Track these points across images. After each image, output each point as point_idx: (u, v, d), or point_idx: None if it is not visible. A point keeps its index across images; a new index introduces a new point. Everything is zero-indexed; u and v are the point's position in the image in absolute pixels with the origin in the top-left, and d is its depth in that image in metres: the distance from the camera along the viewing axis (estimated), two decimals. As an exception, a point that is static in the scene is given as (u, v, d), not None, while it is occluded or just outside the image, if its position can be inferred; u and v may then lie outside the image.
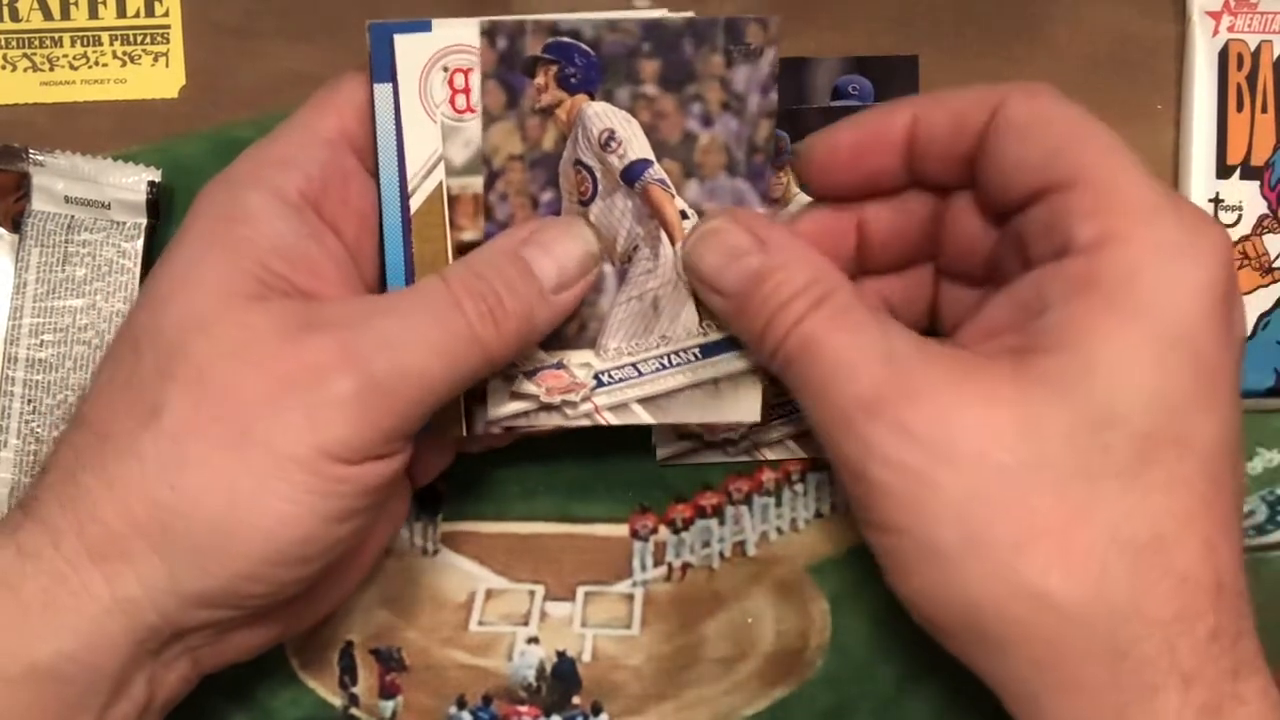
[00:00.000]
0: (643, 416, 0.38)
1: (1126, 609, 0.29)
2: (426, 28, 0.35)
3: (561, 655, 0.42)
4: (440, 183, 0.36)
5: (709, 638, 0.42)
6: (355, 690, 0.42)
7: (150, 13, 0.43)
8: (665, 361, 0.38)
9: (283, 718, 0.42)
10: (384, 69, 0.35)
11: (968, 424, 0.30)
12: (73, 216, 0.40)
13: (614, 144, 0.36)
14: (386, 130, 0.35)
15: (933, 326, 0.38)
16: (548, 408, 0.38)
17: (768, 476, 0.43)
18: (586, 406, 0.38)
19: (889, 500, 0.31)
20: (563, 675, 0.42)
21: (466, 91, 0.36)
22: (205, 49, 0.43)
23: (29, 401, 0.40)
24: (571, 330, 0.37)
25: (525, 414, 0.37)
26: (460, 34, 0.35)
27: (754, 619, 0.42)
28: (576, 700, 0.42)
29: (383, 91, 0.35)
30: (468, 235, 0.36)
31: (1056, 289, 0.31)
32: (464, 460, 0.40)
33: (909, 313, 0.38)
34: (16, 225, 0.40)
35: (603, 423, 0.38)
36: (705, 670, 0.42)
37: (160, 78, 0.43)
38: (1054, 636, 0.30)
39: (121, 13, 0.43)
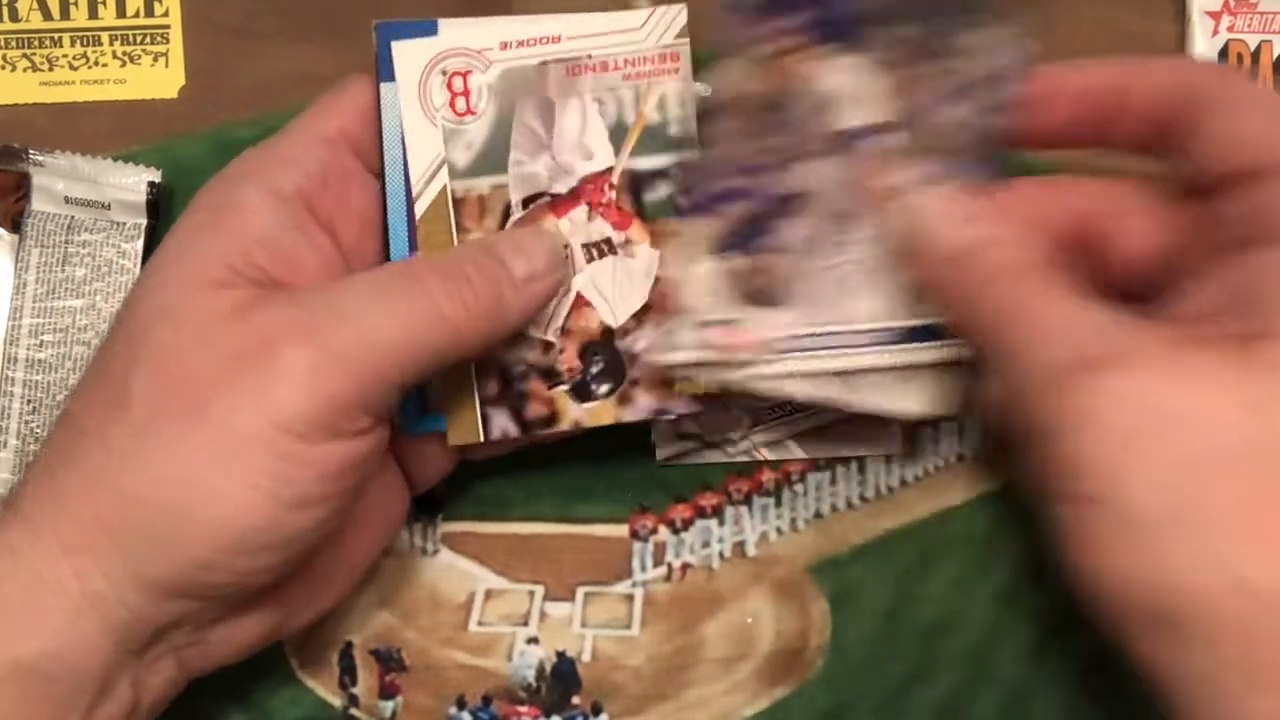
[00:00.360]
0: (797, 453, 0.41)
1: None
2: (432, 29, 0.35)
3: (561, 655, 0.42)
4: (445, 185, 0.36)
5: (709, 638, 0.42)
6: (355, 690, 0.42)
7: (150, 13, 0.43)
8: (862, 338, 0.37)
9: (282, 718, 0.42)
10: (389, 69, 0.35)
11: (1188, 395, 0.28)
12: (73, 217, 0.40)
13: (844, 104, 0.35)
14: (393, 130, 0.35)
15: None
16: (710, 446, 0.41)
17: (768, 476, 0.43)
18: (745, 444, 0.40)
19: (1089, 463, 0.29)
20: (562, 675, 0.42)
21: (466, 94, 0.36)
22: (205, 49, 0.43)
23: (29, 402, 0.40)
24: (759, 285, 0.36)
25: (690, 452, 0.41)
26: (464, 36, 0.35)
27: (754, 619, 0.42)
28: (576, 700, 0.42)
29: (389, 90, 0.35)
30: (474, 237, 0.36)
31: (1274, 277, 0.30)
32: (464, 462, 0.40)
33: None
34: (16, 225, 0.40)
35: (760, 459, 0.40)
36: (705, 670, 0.42)
37: (160, 78, 0.43)
38: (1259, 629, 0.27)
39: (121, 13, 0.43)
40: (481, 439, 0.37)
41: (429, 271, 0.33)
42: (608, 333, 0.37)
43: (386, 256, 0.36)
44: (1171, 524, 0.28)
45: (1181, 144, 0.33)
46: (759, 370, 0.36)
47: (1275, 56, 0.43)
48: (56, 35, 0.43)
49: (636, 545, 0.43)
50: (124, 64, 0.43)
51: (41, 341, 0.40)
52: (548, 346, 0.37)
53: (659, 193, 0.37)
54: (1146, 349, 0.29)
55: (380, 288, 0.33)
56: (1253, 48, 0.43)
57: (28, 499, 0.32)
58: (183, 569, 0.31)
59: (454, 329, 0.33)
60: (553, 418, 0.37)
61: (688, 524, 0.43)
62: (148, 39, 0.43)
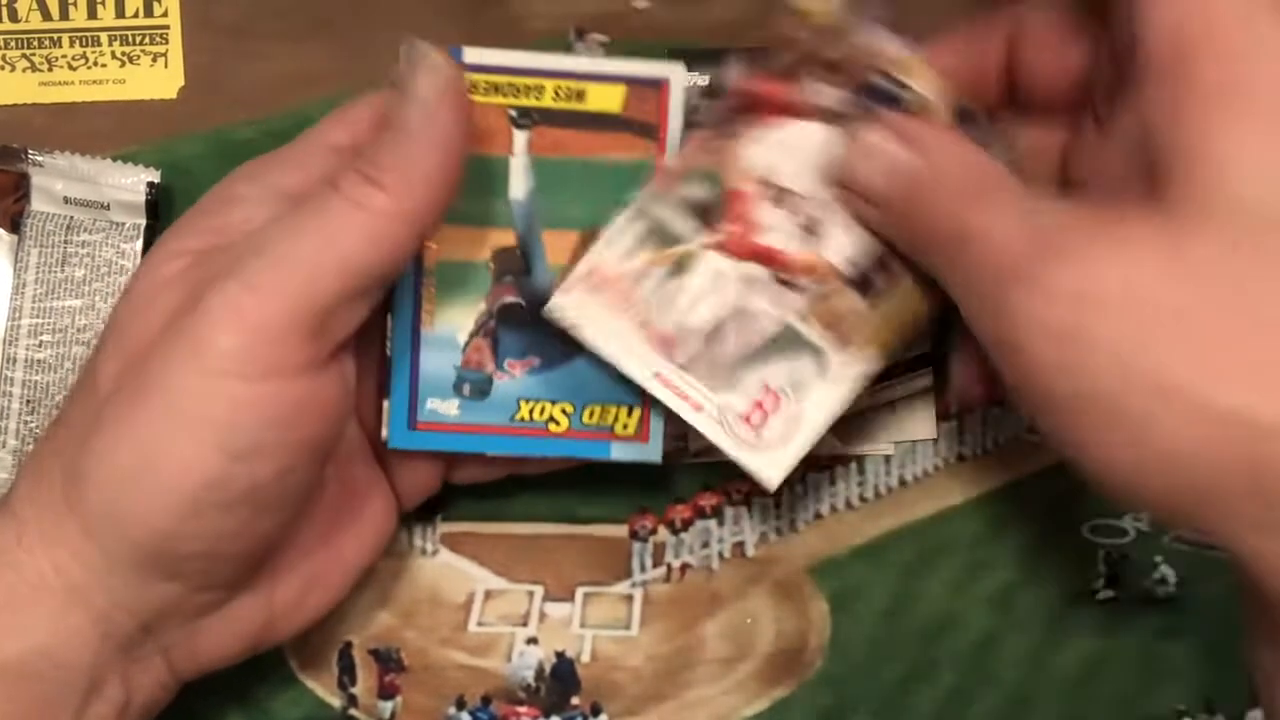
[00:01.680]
0: (831, 441, 0.40)
1: None
2: (457, 56, 0.35)
3: (560, 656, 0.42)
4: None
5: (708, 638, 0.42)
6: (354, 691, 0.42)
7: (149, 13, 0.43)
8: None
9: (282, 718, 0.42)
10: None
11: (1112, 272, 0.28)
12: (72, 217, 0.40)
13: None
14: None
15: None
16: None
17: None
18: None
19: (1050, 370, 0.28)
20: (562, 676, 0.42)
21: None
22: (204, 49, 0.43)
23: (27, 402, 0.40)
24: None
25: (679, 451, 0.40)
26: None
27: (753, 619, 0.42)
28: (576, 701, 0.42)
29: None
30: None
31: (1154, 111, 0.29)
32: (449, 484, 0.40)
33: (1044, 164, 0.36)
34: (15, 226, 0.40)
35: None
36: (705, 670, 0.42)
37: (159, 78, 0.43)
38: (1266, 462, 0.27)
39: (120, 13, 0.43)
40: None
41: (338, 172, 0.31)
42: None
43: None
44: (1150, 399, 0.27)
45: None
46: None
47: (1275, 56, 0.42)
48: (56, 35, 0.43)
49: (636, 545, 0.42)
50: (123, 64, 0.43)
51: (40, 342, 0.40)
52: None
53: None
54: (1074, 238, 0.29)
55: (297, 208, 0.31)
56: (1252, 47, 0.42)
57: (18, 496, 0.32)
58: (148, 542, 0.31)
59: (380, 215, 0.31)
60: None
61: (687, 524, 0.43)
62: (147, 39, 0.43)
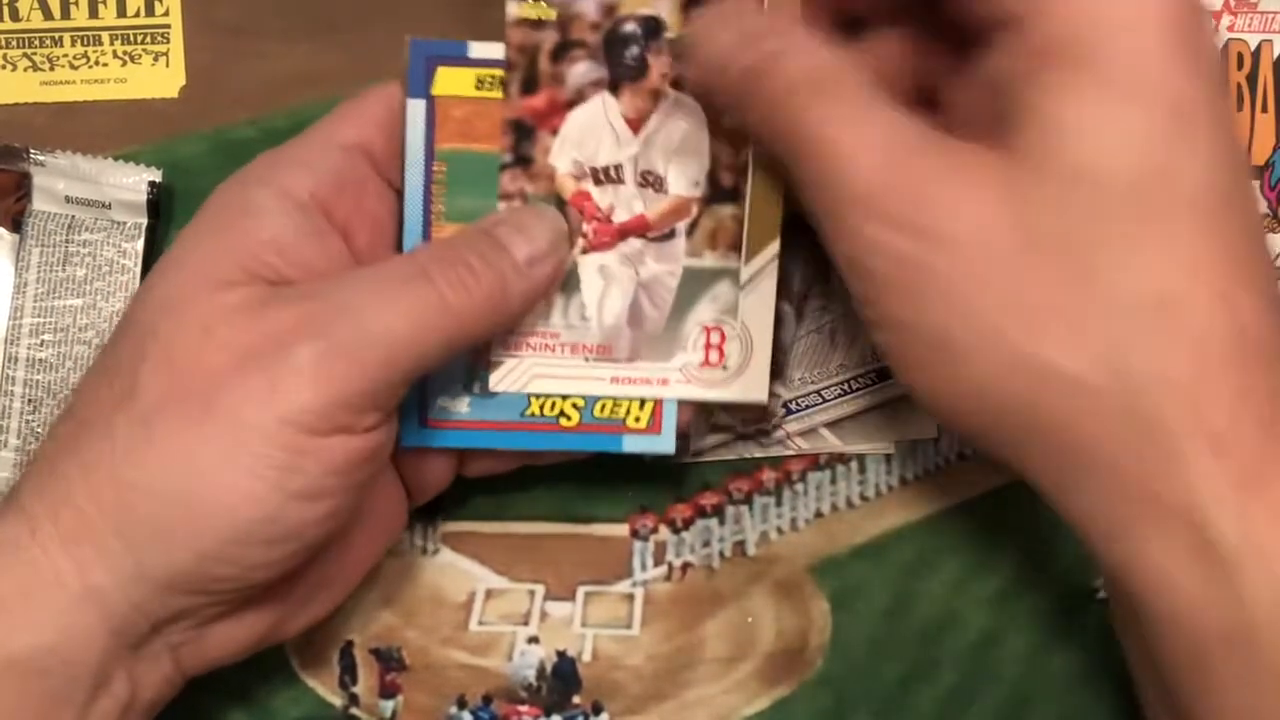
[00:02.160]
0: (831, 441, 0.42)
1: (1141, 375, 0.28)
2: (463, 50, 0.36)
3: (561, 655, 0.42)
4: None
5: (709, 638, 0.42)
6: (355, 690, 0.42)
7: (150, 12, 0.43)
8: (846, 387, 0.42)
9: (283, 717, 0.42)
10: (419, 85, 0.36)
11: (959, 209, 0.29)
12: (73, 216, 0.40)
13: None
14: (416, 147, 0.36)
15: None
16: (744, 437, 0.42)
17: (768, 476, 0.43)
18: (779, 434, 0.42)
19: (888, 293, 0.30)
20: (563, 675, 0.42)
21: None
22: (205, 49, 0.43)
23: (29, 401, 0.40)
24: None
25: (724, 444, 0.41)
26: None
27: (754, 619, 0.42)
28: (576, 700, 0.42)
29: (416, 107, 0.36)
30: None
31: (1006, 59, 0.30)
32: (462, 478, 0.40)
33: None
34: (17, 225, 0.40)
35: (793, 450, 0.42)
36: (705, 670, 0.42)
37: (160, 77, 0.43)
38: (1071, 416, 0.29)
39: (121, 12, 0.43)
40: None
41: (432, 261, 0.33)
42: None
43: None
44: (972, 335, 0.29)
45: None
46: (771, 438, 0.42)
47: (1275, 56, 0.43)
48: (57, 35, 0.43)
49: (637, 545, 0.43)
50: (124, 64, 0.43)
51: (42, 341, 0.40)
52: None
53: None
54: (926, 169, 0.30)
55: (386, 280, 0.33)
56: (1253, 48, 0.43)
57: (27, 492, 0.32)
58: (188, 560, 0.31)
59: (458, 319, 0.33)
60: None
61: (688, 523, 0.43)
62: (148, 39, 0.43)
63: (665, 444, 0.38)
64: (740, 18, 0.34)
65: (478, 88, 0.36)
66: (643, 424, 0.38)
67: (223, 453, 0.31)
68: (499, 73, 0.36)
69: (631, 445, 0.38)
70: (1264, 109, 0.43)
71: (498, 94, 0.36)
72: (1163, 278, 0.28)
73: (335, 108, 0.36)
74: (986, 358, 0.29)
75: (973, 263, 0.29)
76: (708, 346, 0.37)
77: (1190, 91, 0.29)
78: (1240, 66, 0.43)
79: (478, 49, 0.36)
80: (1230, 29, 0.43)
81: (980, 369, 0.29)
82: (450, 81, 0.36)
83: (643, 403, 0.38)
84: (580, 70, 0.36)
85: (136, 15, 0.43)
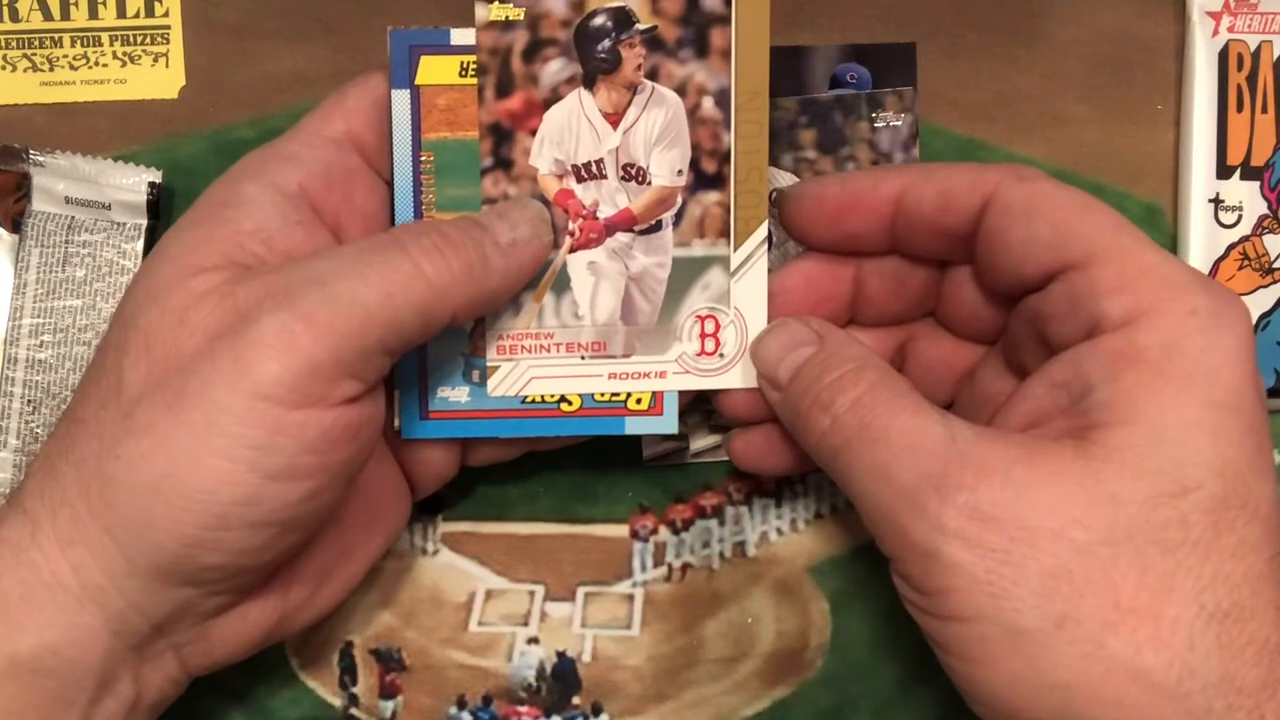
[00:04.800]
0: None
1: (1218, 680, 0.29)
2: (445, 38, 0.36)
3: (561, 655, 0.42)
4: None
5: (709, 638, 0.42)
6: (355, 690, 0.42)
7: (150, 13, 0.43)
8: None
9: (283, 718, 0.42)
10: (403, 76, 0.36)
11: (1043, 502, 0.29)
12: (73, 217, 0.40)
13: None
14: (403, 138, 0.36)
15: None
16: None
17: (768, 476, 0.43)
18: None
19: (966, 584, 0.30)
20: (563, 675, 0.42)
21: None
22: (205, 49, 0.43)
23: (29, 402, 0.40)
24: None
25: (723, 445, 0.40)
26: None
27: (754, 619, 0.42)
28: (576, 701, 0.42)
29: (400, 97, 0.36)
30: None
31: (1099, 366, 0.31)
32: (466, 467, 0.40)
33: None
34: (16, 226, 0.40)
35: None
36: (705, 670, 0.42)
37: (160, 78, 0.43)
38: (1150, 716, 0.29)
39: (121, 13, 0.43)
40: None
41: (406, 233, 0.33)
42: None
43: None
44: (1057, 631, 0.29)
45: (980, 256, 0.35)
46: None
47: (1275, 57, 0.43)
48: (57, 35, 0.43)
49: (636, 545, 0.43)
50: (124, 64, 0.43)
51: (41, 341, 0.40)
52: None
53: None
54: (1002, 459, 0.30)
55: (359, 251, 0.32)
56: (1253, 48, 0.43)
57: (28, 493, 0.32)
58: (173, 550, 0.31)
59: (434, 288, 0.32)
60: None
61: (688, 524, 0.43)
62: (148, 39, 0.43)
63: (668, 424, 0.38)
64: (804, 323, 0.36)
65: (461, 75, 0.36)
66: (644, 405, 0.38)
67: (198, 436, 0.30)
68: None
69: (634, 427, 0.38)
70: (1264, 109, 0.43)
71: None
72: (1236, 588, 0.29)
73: (322, 102, 0.36)
74: (1070, 653, 0.29)
75: (1060, 559, 0.29)
76: (703, 335, 0.37)
77: (1263, 421, 0.31)
78: (1240, 67, 0.43)
79: (460, 35, 0.36)
80: (1230, 29, 0.43)
81: (1062, 664, 0.29)
82: (434, 70, 0.36)
83: None
84: (553, 69, 0.36)
85: (136, 16, 0.43)
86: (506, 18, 0.36)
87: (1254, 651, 0.29)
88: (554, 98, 0.36)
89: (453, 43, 0.36)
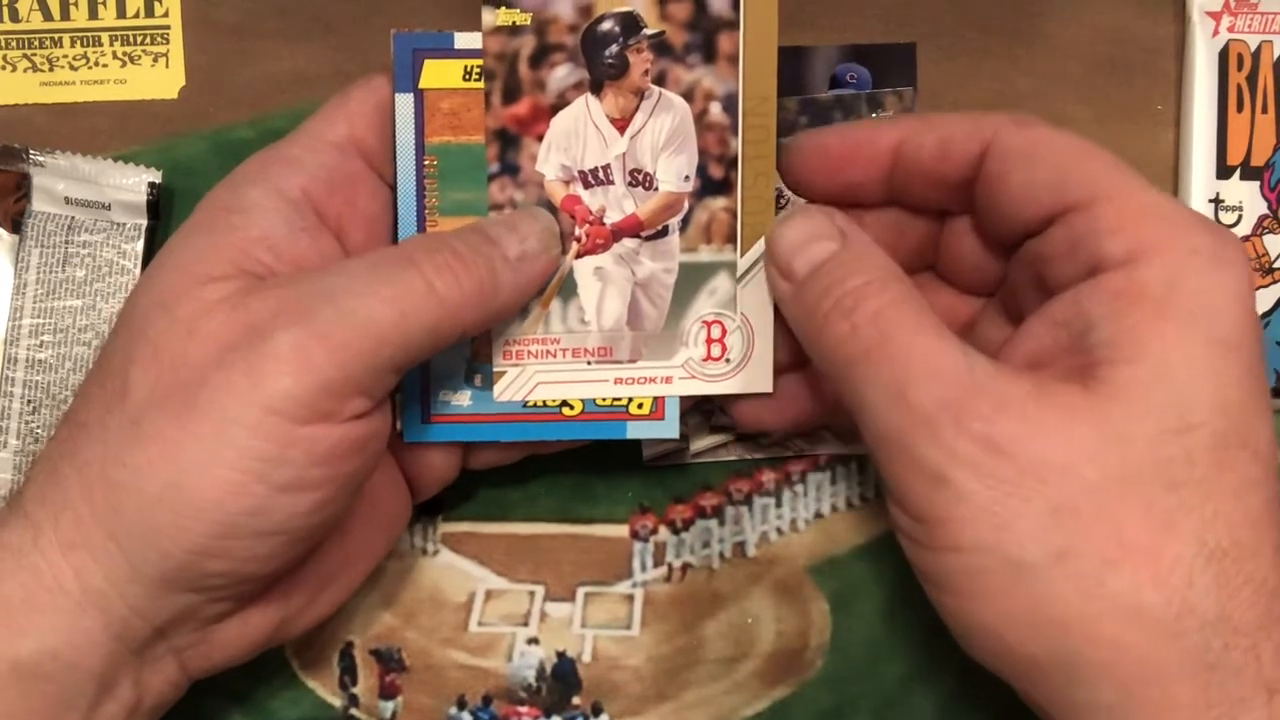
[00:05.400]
0: (831, 441, 0.42)
1: (1215, 619, 0.29)
2: (449, 41, 0.36)
3: (561, 656, 0.42)
4: None
5: (709, 638, 0.42)
6: (355, 691, 0.42)
7: (150, 13, 0.43)
8: None
9: (283, 718, 0.42)
10: (406, 79, 0.36)
11: (1055, 438, 0.29)
12: (73, 217, 0.40)
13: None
14: (406, 141, 0.36)
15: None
16: (744, 438, 0.42)
17: (767, 477, 0.43)
18: (779, 434, 0.42)
19: (971, 514, 0.29)
20: (563, 676, 0.42)
21: None
22: (205, 49, 0.43)
23: (29, 402, 0.40)
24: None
25: (724, 445, 0.42)
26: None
27: (754, 619, 0.42)
28: (576, 701, 0.42)
29: (404, 101, 0.36)
30: None
31: (1100, 305, 0.31)
32: (467, 469, 0.40)
33: None
34: (16, 226, 0.40)
35: (793, 451, 0.42)
36: (705, 670, 0.42)
37: (160, 78, 0.43)
38: (1146, 654, 0.29)
39: (121, 13, 0.43)
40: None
41: (419, 250, 0.33)
42: None
43: None
44: (1058, 566, 0.29)
45: (980, 202, 0.34)
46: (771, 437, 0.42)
47: (1275, 57, 0.43)
48: (57, 35, 0.43)
49: (636, 545, 0.43)
50: (124, 64, 0.43)
51: (41, 342, 0.40)
52: None
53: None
54: (1016, 393, 0.30)
55: (371, 267, 0.32)
56: (1253, 48, 0.43)
57: (30, 497, 0.32)
58: (179, 558, 0.31)
59: (446, 306, 0.32)
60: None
61: (688, 524, 0.43)
62: (148, 39, 0.43)
63: (669, 429, 0.38)
64: (828, 214, 0.35)
65: (465, 79, 0.36)
66: (645, 410, 0.38)
67: (207, 447, 0.30)
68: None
69: (635, 431, 0.38)
70: (1264, 109, 0.43)
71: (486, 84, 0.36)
72: (1236, 528, 0.29)
73: (324, 104, 0.36)
74: (1070, 589, 0.29)
75: (1067, 494, 0.29)
76: (709, 341, 0.37)
77: (1262, 361, 0.31)
78: (1240, 67, 0.43)
79: (463, 39, 0.36)
80: (1230, 29, 0.43)
81: (1062, 600, 0.29)
82: (437, 74, 0.36)
83: None
84: (560, 74, 0.36)
85: (136, 16, 0.43)
86: (514, 22, 0.36)
87: (1251, 591, 0.29)
88: (561, 103, 0.36)
89: (456, 46, 0.36)
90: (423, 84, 0.36)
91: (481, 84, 0.36)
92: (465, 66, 0.36)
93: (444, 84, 0.36)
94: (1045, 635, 0.29)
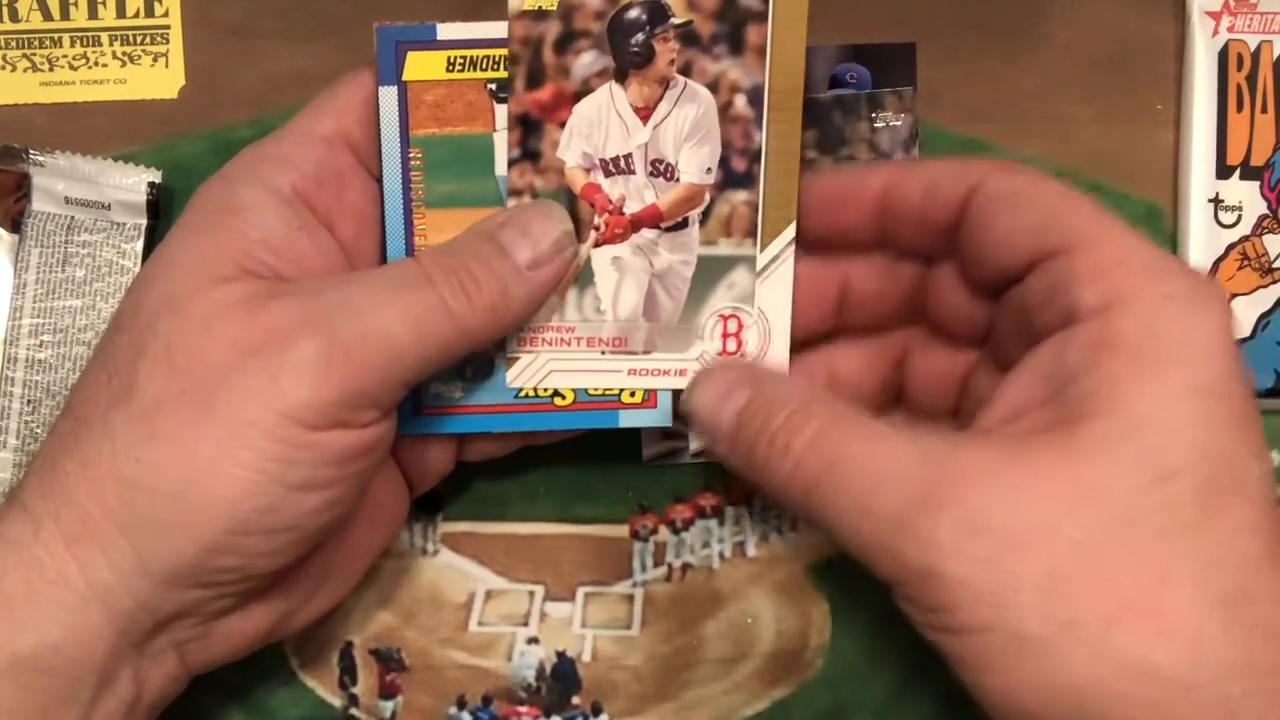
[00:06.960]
0: None
1: (1229, 667, 0.28)
2: (431, 33, 0.35)
3: (561, 655, 0.42)
4: None
5: (709, 638, 0.42)
6: (355, 690, 0.42)
7: (150, 13, 0.43)
8: None
9: (282, 718, 0.42)
10: (389, 73, 0.35)
11: (1032, 503, 0.29)
12: (73, 217, 0.40)
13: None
14: (391, 135, 0.36)
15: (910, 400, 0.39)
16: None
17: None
18: None
19: (969, 598, 0.29)
20: (562, 675, 0.42)
21: None
22: (205, 49, 0.43)
23: (28, 401, 0.40)
24: None
25: (673, 451, 0.42)
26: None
27: (754, 619, 0.42)
28: (576, 700, 0.42)
29: (388, 95, 0.36)
30: None
31: (1077, 356, 0.30)
32: (463, 462, 0.40)
33: (879, 379, 0.38)
34: (16, 226, 0.40)
35: None
36: (705, 670, 0.42)
37: (160, 78, 0.43)
38: (1164, 708, 0.28)
39: (121, 13, 0.43)
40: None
41: (435, 267, 0.33)
42: None
43: (384, 258, 0.37)
44: (1062, 634, 0.29)
45: (963, 248, 0.34)
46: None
47: (1275, 56, 0.43)
48: (56, 35, 0.43)
49: (636, 545, 0.43)
50: (124, 64, 0.43)
51: (41, 341, 0.40)
52: None
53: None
54: (981, 466, 0.30)
55: (390, 283, 0.33)
56: (1253, 48, 0.43)
57: (29, 491, 0.32)
58: (191, 553, 0.31)
59: (459, 324, 0.33)
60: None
61: (688, 524, 0.43)
62: (148, 39, 0.43)
63: (661, 417, 0.38)
64: (732, 368, 0.35)
65: (449, 70, 0.36)
66: (638, 399, 0.38)
67: (222, 448, 0.31)
68: (470, 53, 0.36)
69: (628, 420, 0.38)
70: (1264, 109, 0.43)
71: (470, 75, 0.36)
72: (1238, 571, 0.29)
73: (312, 100, 0.36)
74: (1078, 655, 0.29)
75: (1055, 560, 0.29)
76: (725, 335, 0.37)
77: (1248, 401, 0.30)
78: (1240, 67, 0.43)
79: (446, 30, 0.36)
80: (1230, 29, 0.43)
81: (1071, 667, 0.29)
82: (421, 66, 0.36)
83: None
84: (585, 61, 0.36)
85: (136, 16, 0.43)
86: (540, 7, 0.35)
87: (1261, 634, 0.29)
88: (585, 90, 0.36)
89: (439, 38, 0.36)
90: (406, 76, 0.36)
91: (466, 75, 0.36)
92: (449, 58, 0.36)
93: (427, 76, 0.36)
94: (1063, 702, 0.29)
